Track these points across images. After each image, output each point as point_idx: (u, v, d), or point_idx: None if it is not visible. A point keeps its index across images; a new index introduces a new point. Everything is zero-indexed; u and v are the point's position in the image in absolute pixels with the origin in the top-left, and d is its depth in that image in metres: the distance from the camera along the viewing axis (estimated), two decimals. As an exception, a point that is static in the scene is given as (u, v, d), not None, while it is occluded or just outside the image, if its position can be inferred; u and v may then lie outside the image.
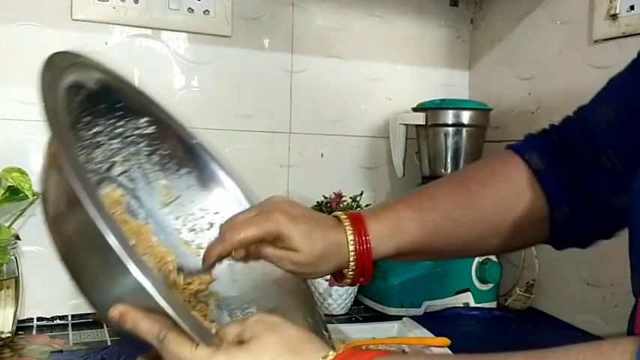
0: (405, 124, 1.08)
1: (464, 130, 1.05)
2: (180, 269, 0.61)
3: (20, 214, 0.86)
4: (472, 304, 1.03)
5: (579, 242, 0.61)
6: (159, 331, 0.42)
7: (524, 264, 1.07)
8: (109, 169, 0.70)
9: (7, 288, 0.81)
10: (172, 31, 0.99)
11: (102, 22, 0.93)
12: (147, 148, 0.72)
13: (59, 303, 0.92)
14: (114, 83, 0.67)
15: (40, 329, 0.88)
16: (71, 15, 0.91)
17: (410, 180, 1.12)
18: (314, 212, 0.61)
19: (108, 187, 0.69)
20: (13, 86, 0.89)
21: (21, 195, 0.81)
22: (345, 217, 0.60)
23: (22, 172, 0.82)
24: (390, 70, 1.18)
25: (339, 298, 0.96)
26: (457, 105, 1.06)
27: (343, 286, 0.90)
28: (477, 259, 1.02)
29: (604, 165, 0.57)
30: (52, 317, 0.91)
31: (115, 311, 0.43)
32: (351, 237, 0.58)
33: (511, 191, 0.60)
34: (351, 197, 0.99)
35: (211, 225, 0.74)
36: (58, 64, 0.55)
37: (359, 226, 0.59)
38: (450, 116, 1.04)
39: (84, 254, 0.47)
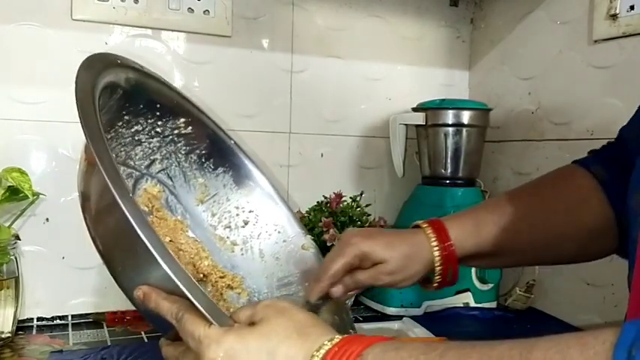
0: (405, 124, 1.08)
1: (464, 130, 1.05)
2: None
3: (20, 214, 0.86)
4: (472, 304, 1.03)
5: None
6: (177, 311, 0.46)
7: (524, 264, 1.07)
8: (148, 166, 0.72)
9: (7, 288, 0.81)
10: (172, 31, 0.99)
11: (102, 22, 0.93)
12: (185, 147, 0.75)
13: (59, 303, 0.92)
14: (151, 84, 0.69)
15: (40, 329, 0.88)
16: (71, 15, 0.91)
17: (410, 180, 1.12)
18: (392, 229, 0.66)
19: (147, 183, 0.72)
20: (13, 86, 0.89)
21: (21, 195, 0.82)
22: (423, 223, 0.63)
23: (22, 172, 0.82)
24: (390, 70, 1.18)
25: (339, 298, 0.96)
26: (457, 105, 1.06)
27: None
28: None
29: None
30: (52, 317, 0.91)
31: (140, 292, 0.48)
32: (432, 237, 0.62)
33: (579, 199, 0.61)
34: (351, 197, 0.99)
35: (246, 222, 0.77)
36: (94, 66, 0.57)
37: (438, 227, 0.62)
38: (450, 116, 1.04)
39: (116, 244, 0.51)
